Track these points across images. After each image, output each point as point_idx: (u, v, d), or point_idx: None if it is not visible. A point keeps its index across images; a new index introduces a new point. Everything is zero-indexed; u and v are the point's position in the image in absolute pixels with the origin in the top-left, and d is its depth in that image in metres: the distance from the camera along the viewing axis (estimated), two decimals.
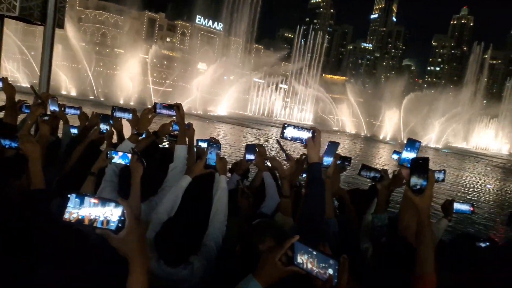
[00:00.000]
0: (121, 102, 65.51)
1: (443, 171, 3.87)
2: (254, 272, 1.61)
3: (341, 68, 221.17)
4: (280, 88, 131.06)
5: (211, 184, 3.26)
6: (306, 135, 2.60)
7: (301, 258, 1.45)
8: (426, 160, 2.17)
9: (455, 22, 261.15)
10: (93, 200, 1.38)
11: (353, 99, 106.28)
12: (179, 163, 3.55)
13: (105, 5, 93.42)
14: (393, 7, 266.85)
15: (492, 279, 2.75)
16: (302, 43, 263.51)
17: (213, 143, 3.31)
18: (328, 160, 3.15)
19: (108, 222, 1.39)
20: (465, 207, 4.16)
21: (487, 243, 4.28)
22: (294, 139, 2.64)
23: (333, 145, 3.11)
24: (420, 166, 2.16)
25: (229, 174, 4.44)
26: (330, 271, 1.40)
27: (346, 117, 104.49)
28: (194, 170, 3.25)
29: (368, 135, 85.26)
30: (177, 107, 3.52)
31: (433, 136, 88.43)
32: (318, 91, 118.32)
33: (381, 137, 79.45)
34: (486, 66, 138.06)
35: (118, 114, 4.16)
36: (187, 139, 3.83)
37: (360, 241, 3.26)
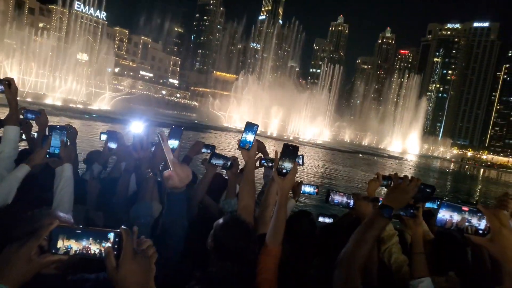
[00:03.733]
0: None
1: (301, 156, 3.99)
2: None
3: (231, 66, 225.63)
4: (169, 82, 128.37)
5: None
6: None
7: (66, 243, 1.33)
8: (296, 148, 2.32)
9: (333, 29, 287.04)
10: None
11: (243, 96, 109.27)
12: (6, 147, 3.07)
13: None
14: (279, 10, 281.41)
15: (322, 246, 3.07)
16: (193, 38, 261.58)
17: (60, 129, 2.99)
18: (174, 144, 2.94)
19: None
20: (310, 189, 4.51)
21: (331, 219, 4.66)
22: None
23: (177, 129, 2.92)
24: (290, 152, 2.32)
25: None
26: (108, 244, 1.32)
27: (236, 114, 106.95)
28: (34, 158, 2.90)
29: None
30: (8, 82, 3.09)
31: (318, 131, 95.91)
32: (210, 87, 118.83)
33: (268, 133, 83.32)
34: (358, 70, 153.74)
35: None
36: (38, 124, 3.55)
37: None
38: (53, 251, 1.32)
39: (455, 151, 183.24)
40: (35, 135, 4.06)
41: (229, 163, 3.59)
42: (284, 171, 2.31)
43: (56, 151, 2.98)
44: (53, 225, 1.33)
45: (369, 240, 1.96)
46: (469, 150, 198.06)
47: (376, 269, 2.71)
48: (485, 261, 2.58)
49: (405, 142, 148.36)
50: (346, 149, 75.05)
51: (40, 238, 1.33)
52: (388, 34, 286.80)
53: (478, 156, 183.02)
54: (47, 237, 1.33)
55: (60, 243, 1.32)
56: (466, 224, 1.47)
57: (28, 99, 56.54)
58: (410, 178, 2.27)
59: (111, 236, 1.33)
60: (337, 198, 3.23)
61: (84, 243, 1.32)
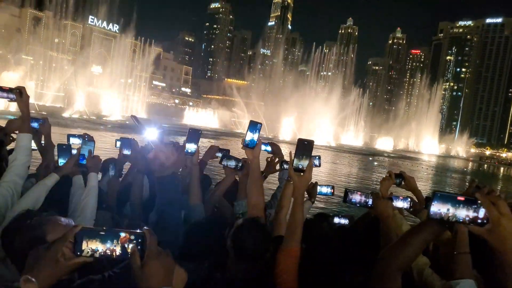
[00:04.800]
0: None
1: (317, 157, 4.03)
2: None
3: (242, 72, 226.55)
4: (182, 91, 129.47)
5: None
6: None
7: (91, 245, 1.34)
8: (311, 142, 2.25)
9: (342, 31, 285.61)
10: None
11: (256, 102, 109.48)
12: (19, 154, 3.05)
13: None
14: (288, 16, 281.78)
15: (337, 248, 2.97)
16: (204, 47, 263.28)
17: (87, 140, 3.21)
18: (192, 148, 3.10)
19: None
20: (326, 190, 4.50)
21: (346, 220, 4.68)
22: None
23: (194, 132, 3.05)
24: (304, 147, 2.24)
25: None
26: (131, 246, 1.35)
27: (248, 120, 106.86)
28: (64, 168, 3.11)
29: (270, 136, 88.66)
30: (20, 91, 3.09)
31: (327, 135, 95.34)
32: (222, 94, 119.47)
33: (280, 138, 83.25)
34: (369, 71, 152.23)
35: None
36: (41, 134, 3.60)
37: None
38: (78, 253, 1.34)
39: (473, 149, 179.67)
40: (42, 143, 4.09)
41: (240, 164, 3.57)
42: (300, 167, 2.25)
43: (84, 161, 3.16)
44: (78, 228, 1.35)
45: (416, 243, 1.77)
46: (487, 149, 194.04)
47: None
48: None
49: (422, 142, 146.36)
50: (365, 152, 74.49)
51: (66, 241, 1.35)
52: (399, 35, 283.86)
53: (497, 154, 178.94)
54: (72, 239, 1.35)
55: (84, 245, 1.34)
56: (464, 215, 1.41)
57: (44, 113, 57.69)
58: (486, 190, 2.11)
59: (135, 236, 1.37)
60: (355, 197, 3.17)
61: (108, 244, 1.34)
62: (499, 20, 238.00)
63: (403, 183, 3.26)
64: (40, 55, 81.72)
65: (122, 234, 1.35)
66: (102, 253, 1.35)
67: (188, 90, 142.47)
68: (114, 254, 1.35)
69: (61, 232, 1.40)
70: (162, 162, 1.97)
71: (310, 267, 2.45)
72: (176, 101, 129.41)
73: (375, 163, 50.26)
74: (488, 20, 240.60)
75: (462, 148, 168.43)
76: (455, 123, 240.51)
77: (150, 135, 3.31)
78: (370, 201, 3.07)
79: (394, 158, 70.28)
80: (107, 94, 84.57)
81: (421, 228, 1.77)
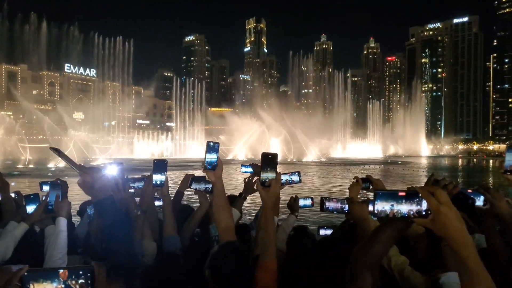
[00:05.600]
0: None
1: (297, 173, 3.88)
2: None
3: (225, 100, 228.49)
4: (167, 126, 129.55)
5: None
6: None
7: (38, 285, 1.32)
8: (274, 155, 2.27)
9: (317, 48, 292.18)
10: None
11: (240, 128, 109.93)
12: None
13: None
14: (262, 40, 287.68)
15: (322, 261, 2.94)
16: (183, 80, 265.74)
17: (55, 184, 3.08)
18: (160, 179, 3.01)
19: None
20: (307, 202, 4.41)
21: (331, 230, 4.53)
22: None
23: (160, 163, 2.98)
24: (269, 160, 2.25)
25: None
26: (81, 280, 1.36)
27: (238, 146, 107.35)
28: (32, 216, 3.03)
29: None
30: None
31: (314, 152, 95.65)
32: (207, 124, 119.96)
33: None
34: (349, 83, 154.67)
35: None
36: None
37: None
38: None
39: (460, 146, 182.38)
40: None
41: (210, 186, 3.36)
42: (267, 180, 2.23)
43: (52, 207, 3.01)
44: (23, 271, 1.31)
45: (382, 239, 1.79)
46: (474, 143, 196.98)
47: (378, 274, 2.51)
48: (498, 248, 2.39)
49: (410, 145, 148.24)
50: (356, 162, 74.73)
51: (11, 284, 1.32)
52: (372, 44, 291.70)
53: (485, 147, 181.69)
54: (19, 283, 1.32)
55: (34, 285, 1.32)
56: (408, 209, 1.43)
57: (31, 166, 57.24)
58: (443, 182, 2.02)
59: (84, 272, 1.37)
60: (331, 204, 3.17)
61: (55, 284, 1.33)
62: (466, 19, 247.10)
63: (371, 186, 3.20)
64: (19, 109, 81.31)
65: (61, 271, 1.34)
66: None
67: (173, 124, 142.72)
68: None
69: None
70: (91, 186, 2.03)
71: (291, 283, 2.46)
72: (162, 136, 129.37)
73: (367, 172, 50.29)
74: (456, 20, 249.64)
75: (450, 146, 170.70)
76: (439, 122, 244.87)
77: (110, 171, 3.22)
78: (346, 207, 3.06)
79: (385, 164, 70.60)
80: (91, 139, 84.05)
81: (385, 226, 1.79)
